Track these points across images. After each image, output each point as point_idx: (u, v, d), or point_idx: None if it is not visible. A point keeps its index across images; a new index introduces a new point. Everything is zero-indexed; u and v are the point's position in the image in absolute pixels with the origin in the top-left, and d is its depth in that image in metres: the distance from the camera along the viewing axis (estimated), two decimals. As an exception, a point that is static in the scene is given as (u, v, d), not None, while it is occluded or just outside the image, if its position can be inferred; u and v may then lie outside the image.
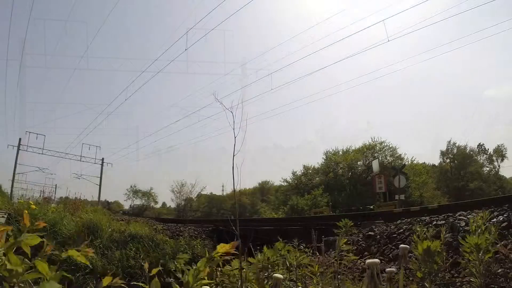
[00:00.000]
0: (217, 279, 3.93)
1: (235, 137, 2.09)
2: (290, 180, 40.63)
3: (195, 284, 1.25)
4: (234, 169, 2.18)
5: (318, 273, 2.71)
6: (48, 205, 9.36)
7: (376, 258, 4.11)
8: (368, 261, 1.11)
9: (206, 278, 1.30)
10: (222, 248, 1.26)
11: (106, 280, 1.10)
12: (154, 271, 1.69)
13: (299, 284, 3.25)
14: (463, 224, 3.90)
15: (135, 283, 1.68)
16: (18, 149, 30.36)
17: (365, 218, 6.77)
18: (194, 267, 1.30)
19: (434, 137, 69.27)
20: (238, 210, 2.58)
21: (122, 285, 1.22)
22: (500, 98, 58.30)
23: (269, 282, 3.16)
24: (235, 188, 2.22)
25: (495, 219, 3.75)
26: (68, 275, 1.05)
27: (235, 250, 1.29)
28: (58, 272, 0.91)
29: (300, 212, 29.78)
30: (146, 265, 1.76)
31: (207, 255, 1.31)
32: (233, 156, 2.11)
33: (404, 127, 70.83)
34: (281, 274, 3.44)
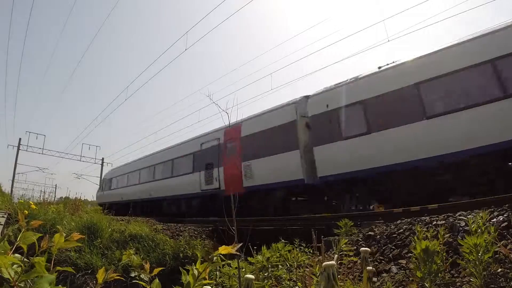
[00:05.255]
0: (217, 279, 3.94)
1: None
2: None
3: (196, 285, 1.25)
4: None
5: (318, 273, 2.71)
6: (48, 205, 9.36)
7: (376, 258, 4.10)
8: (324, 263, 1.13)
9: (206, 278, 1.30)
10: (224, 250, 1.26)
11: (100, 275, 1.10)
12: (156, 271, 1.69)
13: (299, 284, 3.26)
14: (463, 224, 3.90)
15: (134, 281, 1.67)
16: (18, 149, 30.40)
17: (365, 218, 6.77)
18: (194, 267, 1.30)
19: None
20: (235, 209, 2.60)
21: (119, 278, 1.22)
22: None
23: (269, 282, 3.16)
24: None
25: (495, 219, 3.74)
26: (67, 269, 1.05)
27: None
28: (53, 268, 0.91)
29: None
30: (147, 266, 1.76)
31: (201, 255, 1.31)
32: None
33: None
34: (281, 274, 3.45)
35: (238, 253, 1.24)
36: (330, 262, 1.12)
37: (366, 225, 5.76)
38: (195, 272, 1.18)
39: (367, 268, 1.59)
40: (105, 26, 51.41)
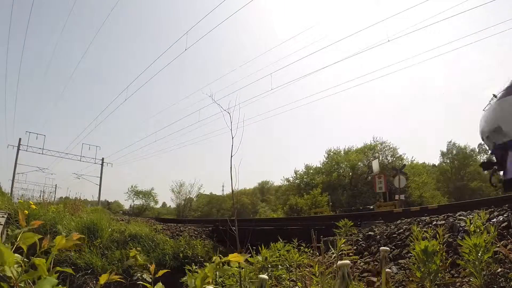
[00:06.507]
0: (217, 279, 3.93)
1: (232, 138, 2.12)
2: (291, 179, 40.53)
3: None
4: (232, 169, 2.19)
5: (318, 273, 2.71)
6: (48, 205, 9.36)
7: (376, 258, 4.10)
8: (339, 262, 1.15)
9: (210, 281, 1.31)
10: (234, 257, 1.27)
11: (103, 278, 1.11)
12: (161, 273, 1.69)
13: (299, 284, 3.26)
14: (463, 224, 3.90)
15: (140, 282, 1.68)
16: (18, 149, 30.39)
17: (365, 218, 6.77)
18: (202, 270, 1.31)
19: (434, 137, 69.41)
20: (236, 211, 2.60)
21: (120, 280, 1.23)
22: (501, 98, 58.23)
23: (269, 282, 3.16)
24: (233, 187, 2.23)
25: (495, 219, 3.74)
26: (67, 269, 1.05)
27: (234, 250, 1.29)
28: (53, 268, 0.92)
29: (299, 212, 29.81)
30: (152, 267, 1.76)
31: (217, 260, 1.33)
32: (231, 156, 2.13)
33: (405, 127, 70.90)
34: (281, 274, 3.45)
35: (245, 263, 1.26)
36: (345, 262, 1.14)
37: (366, 225, 5.77)
38: (202, 274, 1.19)
39: (384, 269, 1.59)
40: (104, 26, 51.37)
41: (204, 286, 1.21)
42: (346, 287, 1.09)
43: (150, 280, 1.59)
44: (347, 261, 1.14)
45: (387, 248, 1.85)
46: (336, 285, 1.12)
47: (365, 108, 76.95)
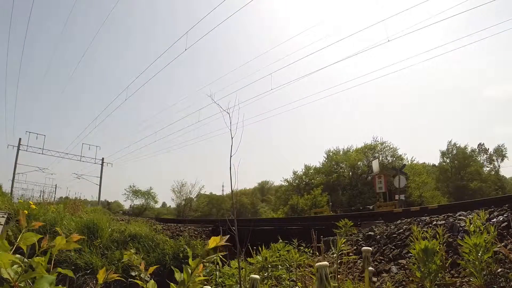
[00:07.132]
0: (217, 279, 3.94)
1: (231, 138, 2.12)
2: (291, 179, 40.56)
3: (191, 282, 1.24)
4: (232, 169, 2.19)
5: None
6: (48, 205, 9.36)
7: (376, 258, 4.10)
8: (317, 264, 1.14)
9: (201, 275, 1.29)
10: (213, 242, 1.25)
11: (101, 275, 1.10)
12: (151, 269, 1.69)
13: (299, 284, 3.25)
14: (463, 224, 3.90)
15: (132, 280, 1.68)
16: (18, 149, 30.39)
17: (365, 218, 6.77)
18: (188, 266, 1.30)
19: (434, 137, 69.41)
20: (236, 210, 2.59)
21: (119, 279, 1.22)
22: (500, 98, 58.36)
23: (269, 282, 3.16)
24: (232, 188, 2.23)
25: (495, 219, 3.74)
26: (67, 271, 1.05)
27: (234, 250, 1.28)
28: (53, 269, 0.91)
29: (300, 212, 29.85)
30: (142, 266, 1.77)
31: (191, 252, 1.31)
32: (230, 156, 2.13)
33: (405, 127, 70.89)
34: (281, 274, 3.45)
35: (228, 244, 1.24)
36: (323, 263, 1.12)
37: (366, 225, 5.77)
38: (189, 269, 1.18)
39: (369, 269, 1.59)
40: (105, 26, 51.44)
41: (199, 285, 1.21)
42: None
43: (148, 280, 1.59)
44: (325, 263, 1.13)
45: (369, 249, 1.86)
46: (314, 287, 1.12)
47: (365, 108, 76.99)
